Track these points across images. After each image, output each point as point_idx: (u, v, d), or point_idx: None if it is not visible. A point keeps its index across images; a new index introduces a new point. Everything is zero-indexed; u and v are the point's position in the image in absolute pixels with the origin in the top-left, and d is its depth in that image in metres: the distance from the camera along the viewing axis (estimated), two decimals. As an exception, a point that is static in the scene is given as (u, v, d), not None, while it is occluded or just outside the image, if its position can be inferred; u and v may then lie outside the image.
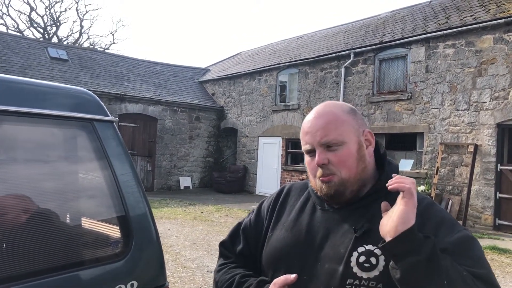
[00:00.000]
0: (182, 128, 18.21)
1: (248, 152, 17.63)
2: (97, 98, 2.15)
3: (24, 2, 28.89)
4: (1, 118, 1.51)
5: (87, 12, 30.85)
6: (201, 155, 18.68)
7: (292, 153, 15.95)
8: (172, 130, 17.90)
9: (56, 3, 29.67)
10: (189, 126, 18.39)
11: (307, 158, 1.31)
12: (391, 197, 1.16)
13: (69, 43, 27.90)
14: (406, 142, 12.42)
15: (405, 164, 12.09)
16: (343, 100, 13.55)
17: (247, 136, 17.69)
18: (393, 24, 14.25)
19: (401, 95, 12.21)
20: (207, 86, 20.45)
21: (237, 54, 23.00)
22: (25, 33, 28.21)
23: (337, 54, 14.05)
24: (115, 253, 1.87)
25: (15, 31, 27.48)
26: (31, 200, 1.64)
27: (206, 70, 22.15)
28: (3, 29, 27.05)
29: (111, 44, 33.34)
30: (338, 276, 1.17)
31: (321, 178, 1.26)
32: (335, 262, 1.19)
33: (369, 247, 1.17)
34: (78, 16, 31.41)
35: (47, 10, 29.97)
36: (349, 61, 13.64)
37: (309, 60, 15.05)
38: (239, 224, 1.54)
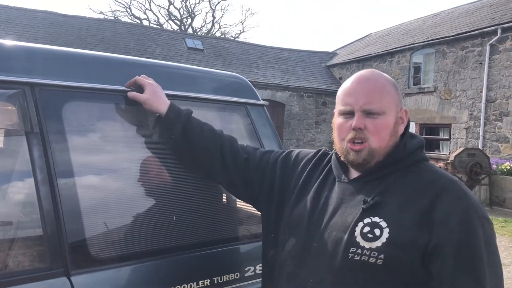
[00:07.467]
0: (309, 114, 18.26)
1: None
2: (249, 83, 2.22)
3: (163, -3, 31.27)
4: (179, 103, 1.65)
5: (218, 2, 32.41)
6: (327, 140, 18.56)
7: (427, 140, 14.93)
8: (299, 115, 18.04)
9: (191, -5, 31.64)
10: (315, 111, 18.37)
11: (339, 119, 1.31)
12: (409, 170, 1.27)
13: (203, 34, 29.60)
14: None
15: None
16: (488, 82, 12.45)
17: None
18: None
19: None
20: (334, 70, 20.15)
21: (367, 36, 22.18)
22: (164, 26, 30.63)
23: (481, 30, 12.80)
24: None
25: (156, 25, 29.91)
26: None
27: (333, 54, 21.81)
28: (146, 23, 29.72)
29: (240, 32, 34.72)
30: (342, 244, 1.21)
31: (350, 146, 1.27)
32: (341, 231, 1.23)
33: (376, 219, 1.20)
34: (211, 7, 33.15)
35: (183, 3, 32.09)
36: (496, 38, 12.33)
37: (447, 38, 13.95)
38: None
